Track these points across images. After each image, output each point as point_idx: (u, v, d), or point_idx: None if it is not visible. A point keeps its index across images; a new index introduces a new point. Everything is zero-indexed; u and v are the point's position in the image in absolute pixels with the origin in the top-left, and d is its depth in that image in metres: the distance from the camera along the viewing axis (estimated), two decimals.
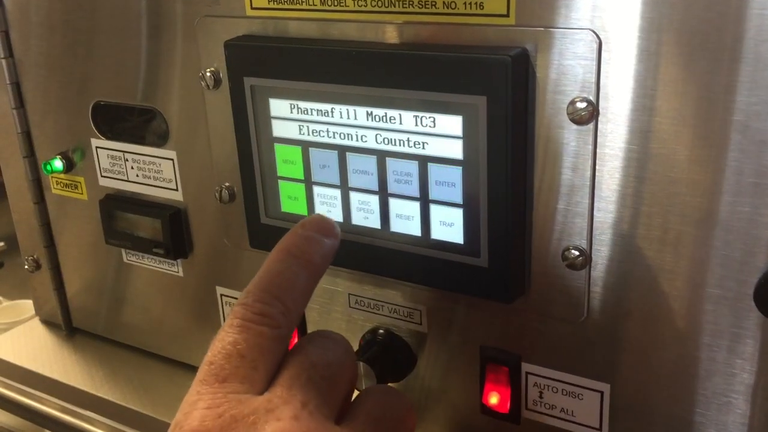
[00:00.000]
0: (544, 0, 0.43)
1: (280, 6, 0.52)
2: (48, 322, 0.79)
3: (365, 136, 0.49)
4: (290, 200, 0.54)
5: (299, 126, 0.51)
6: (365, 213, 0.51)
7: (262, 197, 0.55)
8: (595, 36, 0.42)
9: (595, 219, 0.46)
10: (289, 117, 0.52)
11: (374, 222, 0.51)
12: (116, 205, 0.66)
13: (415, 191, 0.49)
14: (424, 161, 0.48)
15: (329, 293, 0.58)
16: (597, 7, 0.42)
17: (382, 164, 0.49)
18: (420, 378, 0.57)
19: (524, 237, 0.48)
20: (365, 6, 0.48)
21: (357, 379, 0.43)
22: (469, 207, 0.47)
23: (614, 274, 0.46)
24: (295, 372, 0.37)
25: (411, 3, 0.47)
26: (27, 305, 0.82)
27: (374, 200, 0.51)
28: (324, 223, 0.43)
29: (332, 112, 0.50)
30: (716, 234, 0.43)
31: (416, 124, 0.47)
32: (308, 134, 0.51)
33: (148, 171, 0.64)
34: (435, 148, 0.47)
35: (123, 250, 0.69)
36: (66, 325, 0.77)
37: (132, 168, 0.65)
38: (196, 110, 0.58)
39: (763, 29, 0.38)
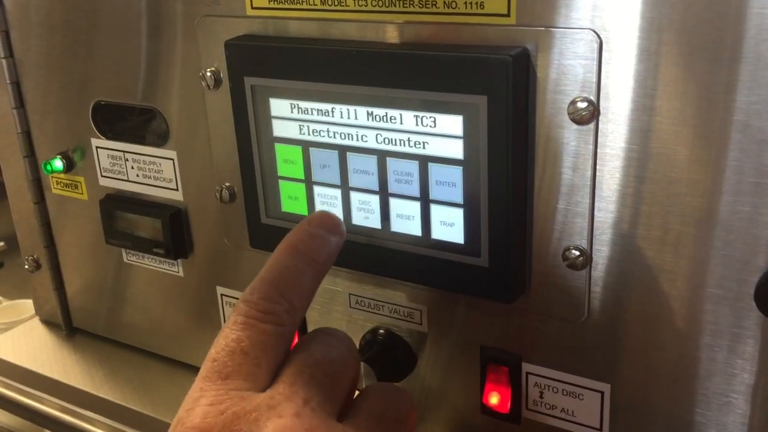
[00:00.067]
0: (545, 0, 0.43)
1: (281, 6, 0.52)
2: (48, 322, 0.79)
3: (366, 136, 0.49)
4: (291, 200, 0.54)
5: (300, 126, 0.51)
6: (366, 213, 0.51)
7: (263, 197, 0.55)
8: (595, 36, 0.42)
9: (595, 219, 0.46)
10: (290, 117, 0.52)
11: (375, 222, 0.51)
12: (116, 205, 0.66)
13: (415, 191, 0.49)
14: (424, 161, 0.48)
15: (330, 293, 0.58)
16: (597, 7, 0.42)
17: (382, 164, 0.49)
18: (420, 378, 0.57)
19: (525, 237, 0.48)
20: (366, 6, 0.48)
21: (359, 377, 0.43)
22: (469, 207, 0.47)
23: (614, 274, 0.46)
24: (297, 369, 0.37)
25: (411, 3, 0.47)
26: (27, 305, 0.82)
27: (375, 200, 0.51)
28: (331, 220, 0.43)
29: (333, 111, 0.50)
30: (716, 234, 0.43)
31: (417, 124, 0.47)
32: (309, 134, 0.51)
33: (148, 171, 0.64)
34: (435, 147, 0.47)
35: (123, 250, 0.69)
36: (66, 325, 0.77)
37: (132, 168, 0.65)
38: (197, 110, 0.58)
39: (763, 29, 0.38)
